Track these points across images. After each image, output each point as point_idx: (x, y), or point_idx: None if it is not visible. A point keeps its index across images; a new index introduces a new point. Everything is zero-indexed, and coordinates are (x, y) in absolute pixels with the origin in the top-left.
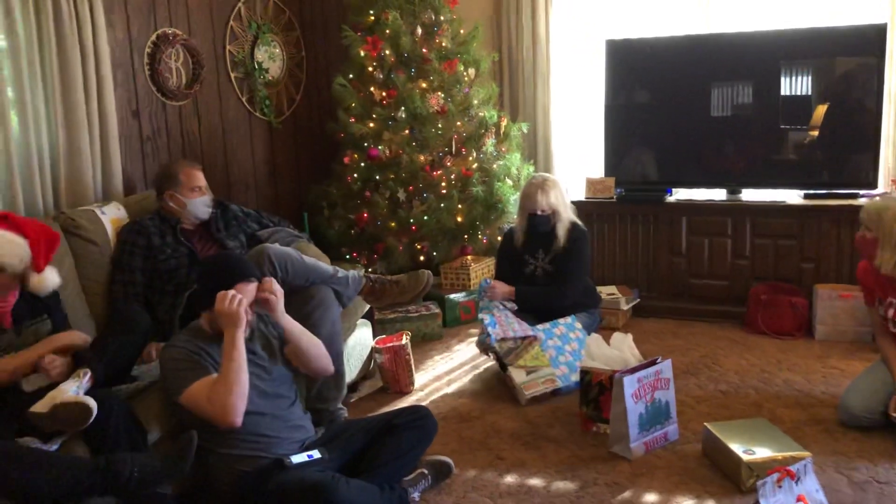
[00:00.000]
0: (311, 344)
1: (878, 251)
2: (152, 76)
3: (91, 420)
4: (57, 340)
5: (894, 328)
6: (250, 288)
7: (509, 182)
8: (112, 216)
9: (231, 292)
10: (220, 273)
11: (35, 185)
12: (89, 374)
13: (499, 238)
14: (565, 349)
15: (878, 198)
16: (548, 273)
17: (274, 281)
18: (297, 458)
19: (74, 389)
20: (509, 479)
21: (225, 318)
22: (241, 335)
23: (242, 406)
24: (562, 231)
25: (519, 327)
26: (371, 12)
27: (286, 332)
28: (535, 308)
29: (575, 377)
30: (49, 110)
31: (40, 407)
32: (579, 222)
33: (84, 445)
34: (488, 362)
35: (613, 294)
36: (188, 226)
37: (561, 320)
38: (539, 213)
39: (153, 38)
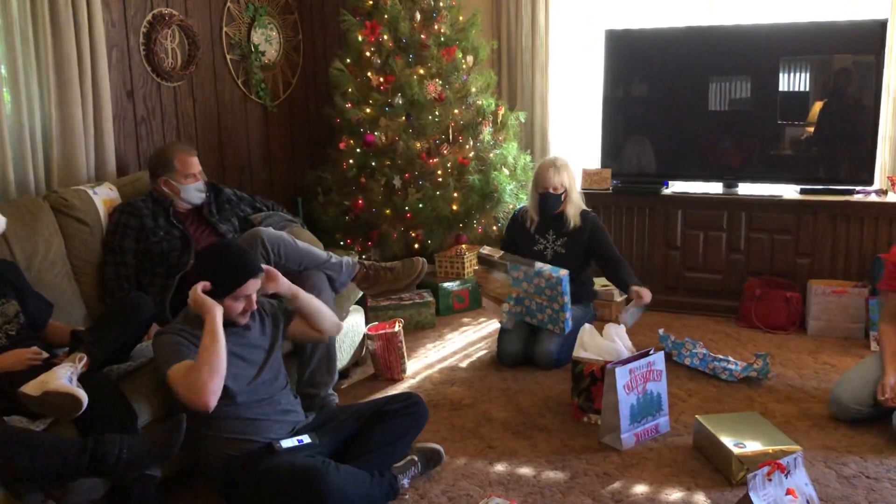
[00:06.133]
0: (320, 304)
1: None
2: (147, 56)
3: (79, 412)
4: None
5: None
6: (259, 283)
7: (506, 171)
8: (104, 197)
9: (200, 285)
10: (236, 270)
11: (27, 164)
12: (85, 360)
13: (494, 228)
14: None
15: None
16: (558, 255)
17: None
18: (287, 443)
19: (68, 376)
20: (499, 467)
21: (198, 308)
22: (219, 321)
23: (216, 389)
24: (571, 212)
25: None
26: None
27: (297, 298)
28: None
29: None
30: (42, 89)
31: (31, 389)
32: (588, 209)
33: (72, 426)
34: (480, 351)
35: (607, 286)
36: (181, 209)
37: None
38: (551, 191)
39: (149, 18)
